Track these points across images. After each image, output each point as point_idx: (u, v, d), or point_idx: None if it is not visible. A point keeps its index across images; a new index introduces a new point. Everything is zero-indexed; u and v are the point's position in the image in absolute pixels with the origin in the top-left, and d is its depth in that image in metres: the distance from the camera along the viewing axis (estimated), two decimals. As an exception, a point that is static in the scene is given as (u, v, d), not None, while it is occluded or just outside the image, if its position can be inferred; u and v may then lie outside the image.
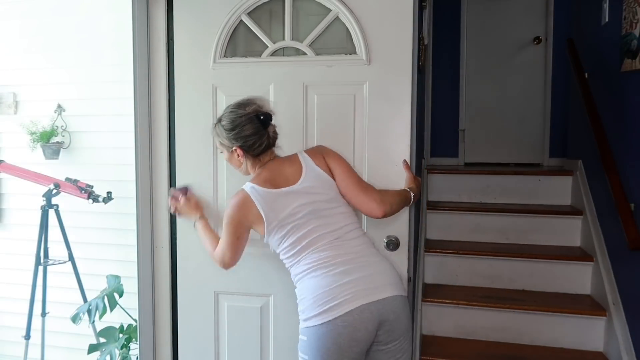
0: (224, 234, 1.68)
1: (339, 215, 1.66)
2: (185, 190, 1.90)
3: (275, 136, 1.72)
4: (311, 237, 1.61)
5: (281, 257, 1.69)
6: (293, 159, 1.72)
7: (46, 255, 3.27)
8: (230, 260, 1.69)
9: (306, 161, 1.70)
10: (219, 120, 1.70)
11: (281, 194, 1.64)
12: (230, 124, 1.65)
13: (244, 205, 1.63)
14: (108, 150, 3.45)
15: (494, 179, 3.29)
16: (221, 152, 1.77)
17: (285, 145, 1.92)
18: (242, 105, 1.66)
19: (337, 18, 1.88)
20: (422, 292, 2.62)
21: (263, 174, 1.68)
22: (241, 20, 1.96)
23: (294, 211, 1.62)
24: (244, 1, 1.94)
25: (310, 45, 1.91)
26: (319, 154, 1.73)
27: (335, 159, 1.73)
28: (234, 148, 1.68)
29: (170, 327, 2.11)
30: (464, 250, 2.80)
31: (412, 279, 1.96)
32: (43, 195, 3.23)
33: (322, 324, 1.53)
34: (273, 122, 1.68)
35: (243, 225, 1.66)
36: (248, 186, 1.66)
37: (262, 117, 1.65)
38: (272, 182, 1.65)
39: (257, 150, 1.68)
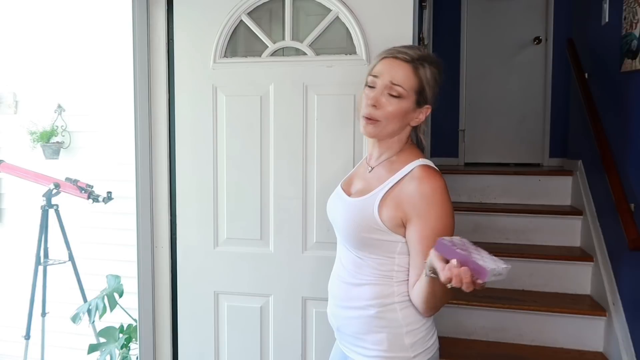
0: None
1: None
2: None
3: None
4: None
5: (401, 267, 1.24)
6: None
7: (46, 255, 3.28)
8: None
9: None
10: (435, 62, 1.27)
11: None
12: (440, 80, 1.28)
13: None
14: (108, 150, 3.45)
15: (494, 179, 3.29)
16: (394, 95, 1.23)
17: (285, 146, 1.92)
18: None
19: (337, 18, 1.88)
20: (422, 292, 2.62)
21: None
22: (241, 20, 1.96)
23: None
24: (244, 1, 1.94)
25: (310, 45, 1.91)
26: None
27: None
28: (427, 106, 1.28)
29: (170, 327, 2.11)
30: (464, 250, 2.79)
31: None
32: (43, 195, 3.24)
33: (436, 350, 1.31)
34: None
35: None
36: (430, 162, 1.25)
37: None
38: None
39: (426, 122, 1.33)
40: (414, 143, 1.33)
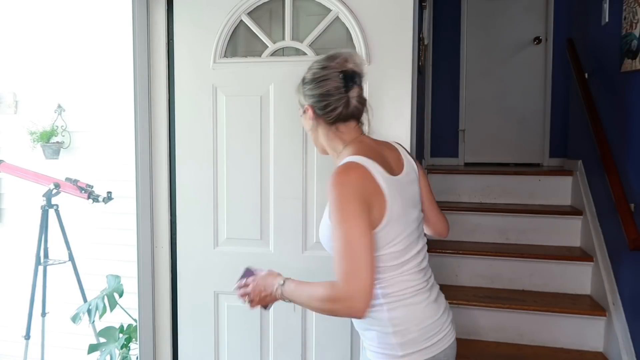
0: (341, 233, 1.13)
1: (421, 229, 1.39)
2: (250, 273, 1.42)
3: (359, 106, 1.34)
4: (416, 250, 1.31)
5: (378, 269, 1.24)
6: (387, 143, 1.41)
7: (46, 255, 3.28)
8: (367, 271, 1.10)
9: (403, 152, 1.41)
10: (308, 69, 1.39)
11: (398, 181, 1.28)
12: (311, 76, 1.35)
13: (362, 174, 1.20)
14: (108, 149, 3.45)
15: (494, 179, 3.29)
16: (300, 116, 1.40)
17: (285, 146, 1.92)
18: (331, 57, 1.35)
19: (337, 18, 1.88)
20: (422, 292, 2.62)
21: (362, 148, 1.30)
22: (241, 20, 1.96)
23: (411, 211, 1.32)
24: (244, 1, 1.94)
25: (310, 45, 1.91)
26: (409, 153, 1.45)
27: (420, 166, 1.45)
28: (305, 106, 1.36)
29: (170, 327, 2.11)
30: (464, 250, 2.80)
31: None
32: (43, 195, 3.24)
33: (440, 352, 1.30)
34: (363, 89, 1.38)
35: (368, 201, 1.17)
36: (354, 157, 1.24)
37: (342, 76, 1.30)
38: (381, 162, 1.27)
39: (329, 116, 1.31)
40: (361, 141, 1.34)
